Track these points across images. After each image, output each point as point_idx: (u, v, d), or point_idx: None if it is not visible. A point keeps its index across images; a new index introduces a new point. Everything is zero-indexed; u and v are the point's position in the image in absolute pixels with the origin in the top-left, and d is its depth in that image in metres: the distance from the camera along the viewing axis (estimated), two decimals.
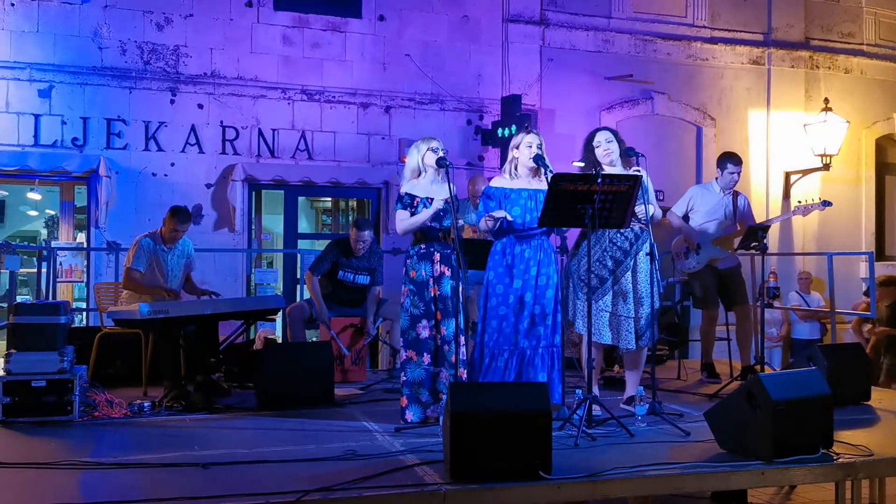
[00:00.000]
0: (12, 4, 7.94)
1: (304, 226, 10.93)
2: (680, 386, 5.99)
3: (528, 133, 4.74)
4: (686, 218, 6.26)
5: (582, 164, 4.81)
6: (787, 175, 10.58)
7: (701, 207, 6.17)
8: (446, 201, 4.58)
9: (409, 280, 4.62)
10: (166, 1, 8.35)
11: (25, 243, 11.47)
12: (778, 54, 10.65)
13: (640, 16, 10.13)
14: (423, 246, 4.64)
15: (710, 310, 6.22)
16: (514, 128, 8.63)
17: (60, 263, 8.09)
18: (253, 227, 9.16)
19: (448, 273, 4.59)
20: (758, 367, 5.77)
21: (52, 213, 10.45)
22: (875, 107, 11.18)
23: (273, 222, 10.37)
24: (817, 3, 10.96)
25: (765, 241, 5.57)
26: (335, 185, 8.83)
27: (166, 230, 5.79)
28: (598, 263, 4.72)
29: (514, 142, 4.79)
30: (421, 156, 4.68)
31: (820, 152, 10.17)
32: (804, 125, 10.31)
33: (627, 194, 4.23)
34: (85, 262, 8.26)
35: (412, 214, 4.63)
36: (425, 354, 4.55)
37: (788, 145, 10.55)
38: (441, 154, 4.60)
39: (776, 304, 6.78)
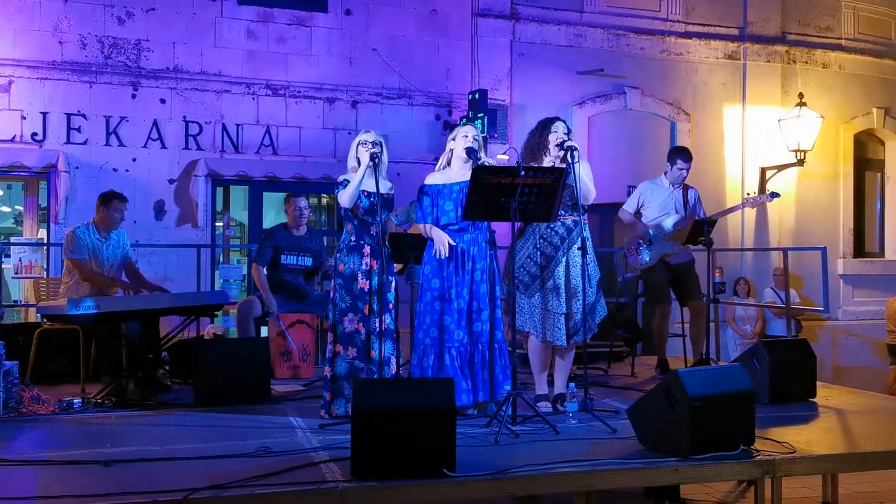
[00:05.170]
0: None
1: (274, 222, 10.83)
2: (630, 383, 5.92)
3: (465, 125, 4.74)
4: (638, 214, 6.19)
5: (506, 157, 4.75)
6: (763, 170, 10.49)
7: (652, 203, 6.10)
8: (381, 195, 4.55)
9: (338, 273, 4.58)
10: None
11: None
12: (753, 49, 10.56)
13: (612, 10, 10.05)
14: (353, 238, 4.61)
15: (662, 306, 6.13)
16: (478, 123, 8.57)
17: (20, 259, 8.05)
18: (220, 223, 9.11)
19: (377, 267, 4.54)
20: (712, 363, 5.70)
21: (21, 208, 10.41)
22: (853, 102, 11.08)
23: (242, 218, 10.30)
24: None
25: (710, 235, 5.48)
26: (300, 180, 8.76)
27: (106, 216, 5.71)
28: (528, 260, 4.65)
29: (451, 134, 4.80)
30: (356, 149, 4.68)
31: (794, 147, 10.09)
32: (778, 120, 10.22)
33: (553, 187, 4.16)
34: (45, 259, 8.21)
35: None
36: (350, 348, 4.51)
37: (764, 140, 10.46)
38: (369, 147, 4.56)
39: (721, 298, 6.68)
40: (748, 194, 5.90)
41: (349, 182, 4.59)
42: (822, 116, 10.12)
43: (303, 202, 6.17)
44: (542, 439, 4.01)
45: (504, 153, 4.91)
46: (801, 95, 10.15)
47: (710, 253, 5.57)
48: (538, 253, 4.63)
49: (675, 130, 10.25)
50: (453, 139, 4.73)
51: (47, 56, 8.08)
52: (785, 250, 6.61)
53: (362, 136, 4.68)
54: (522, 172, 4.05)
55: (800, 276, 10.25)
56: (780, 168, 10.34)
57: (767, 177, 10.45)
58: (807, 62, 10.84)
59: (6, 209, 11.75)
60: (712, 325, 6.44)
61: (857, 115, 11.10)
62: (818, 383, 5.30)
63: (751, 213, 10.41)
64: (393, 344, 4.60)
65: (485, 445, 3.86)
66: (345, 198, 4.56)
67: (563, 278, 4.60)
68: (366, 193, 4.61)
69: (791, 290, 9.76)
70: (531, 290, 4.62)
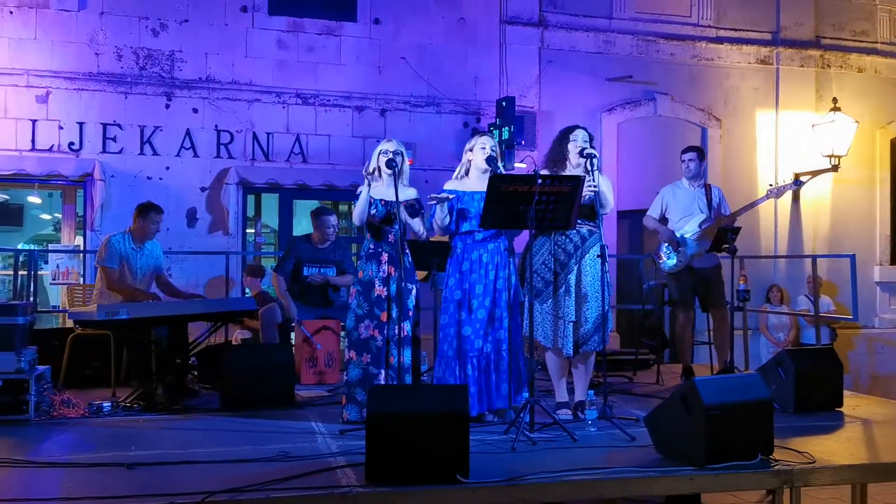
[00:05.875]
0: (10, 12, 8.11)
1: (306, 229, 10.96)
2: (654, 390, 5.88)
3: (483, 135, 4.78)
4: (664, 220, 6.16)
5: (524, 165, 4.77)
6: (797, 176, 10.30)
7: (675, 205, 6.07)
8: (397, 203, 4.59)
9: (357, 280, 4.64)
10: (162, 7, 8.47)
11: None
12: (787, 53, 10.44)
13: (642, 16, 10.01)
14: (371, 246, 4.66)
15: (684, 311, 6.09)
16: (505, 131, 8.59)
17: (57, 265, 8.25)
18: (252, 229, 9.25)
19: (395, 274, 4.58)
20: (737, 370, 5.65)
21: (60, 216, 10.68)
22: (890, 106, 10.88)
23: (275, 224, 10.42)
24: (828, 0, 10.71)
25: (734, 243, 5.44)
26: (329, 188, 8.86)
27: (143, 227, 5.84)
28: (543, 266, 4.66)
29: (468, 144, 4.82)
30: (376, 159, 4.74)
31: (828, 153, 9.93)
32: (812, 125, 10.09)
33: (570, 195, 4.17)
34: (81, 265, 8.39)
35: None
36: (365, 354, 4.56)
37: (798, 146, 10.33)
38: (390, 156, 4.60)
39: (747, 306, 6.62)
40: (771, 185, 5.84)
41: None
42: (856, 121, 9.96)
43: (332, 220, 6.23)
44: (560, 447, 4.01)
45: (521, 161, 4.91)
46: (835, 100, 10.00)
47: (734, 260, 5.51)
48: (552, 259, 4.64)
49: (706, 136, 10.15)
50: (470, 150, 4.78)
51: (84, 67, 8.28)
52: (814, 257, 6.53)
53: (383, 146, 4.73)
54: (539, 180, 4.06)
55: (835, 284, 10.10)
56: (814, 174, 10.18)
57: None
58: (841, 66, 10.68)
59: (46, 217, 12.07)
60: (739, 333, 6.37)
61: (894, 119, 10.91)
62: (846, 393, 5.23)
63: (784, 219, 10.30)
64: (413, 351, 4.64)
65: (501, 452, 3.88)
66: (354, 217, 4.65)
67: (574, 285, 4.60)
68: (382, 202, 4.66)
69: (826, 297, 9.67)
70: (543, 296, 4.62)
